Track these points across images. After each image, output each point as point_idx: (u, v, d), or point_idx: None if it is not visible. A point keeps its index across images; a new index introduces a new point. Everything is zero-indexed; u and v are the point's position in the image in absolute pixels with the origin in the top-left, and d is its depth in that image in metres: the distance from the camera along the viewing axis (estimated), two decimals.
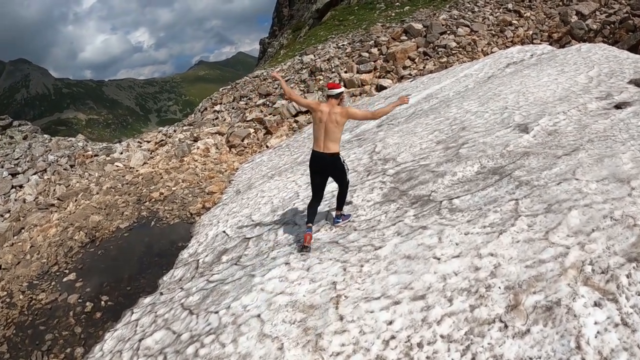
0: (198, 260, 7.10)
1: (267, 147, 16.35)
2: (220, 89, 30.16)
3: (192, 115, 29.96)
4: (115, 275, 8.74)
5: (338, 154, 5.09)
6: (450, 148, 7.34)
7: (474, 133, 7.77)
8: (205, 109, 27.84)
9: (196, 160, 16.81)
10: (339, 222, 5.70)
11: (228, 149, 18.16)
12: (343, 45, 25.90)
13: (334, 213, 5.87)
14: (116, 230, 10.98)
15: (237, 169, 14.75)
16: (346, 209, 6.02)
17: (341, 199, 5.52)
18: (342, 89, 5.17)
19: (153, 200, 12.73)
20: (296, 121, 18.05)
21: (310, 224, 5.16)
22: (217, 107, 26.10)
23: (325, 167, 5.15)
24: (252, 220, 7.79)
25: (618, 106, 7.83)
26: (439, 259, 4.04)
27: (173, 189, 13.48)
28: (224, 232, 8.02)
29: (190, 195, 12.67)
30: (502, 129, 7.59)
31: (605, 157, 5.45)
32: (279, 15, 73.20)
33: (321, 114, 4.98)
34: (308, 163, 5.38)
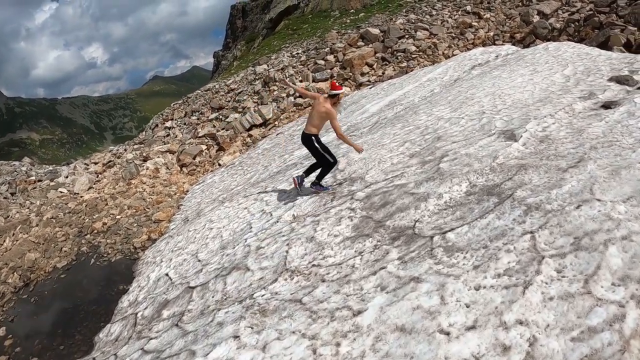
0: (137, 313, 5.78)
1: (219, 165, 14.86)
2: (172, 104, 28.58)
3: (144, 132, 28.12)
4: (48, 330, 7.64)
5: (312, 135, 6.15)
6: (428, 162, 6.21)
7: (452, 143, 6.70)
8: (156, 125, 26.11)
9: (144, 183, 15.48)
10: (312, 189, 6.54)
11: (179, 168, 16.70)
12: (297, 53, 24.80)
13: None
14: (53, 270, 9.79)
15: (187, 191, 13.22)
16: (309, 246, 4.73)
17: (320, 172, 6.38)
18: (341, 91, 6.10)
19: (95, 232, 11.52)
20: (250, 135, 16.66)
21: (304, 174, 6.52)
22: (168, 124, 24.51)
23: (304, 143, 6.25)
24: (198, 260, 6.38)
25: (606, 106, 7.13)
26: (448, 333, 2.82)
27: (117, 217, 12.21)
28: (167, 275, 6.61)
29: (135, 225, 11.33)
30: (484, 137, 6.56)
31: (621, 169, 4.51)
32: (232, 27, 71.99)
33: (314, 102, 6.17)
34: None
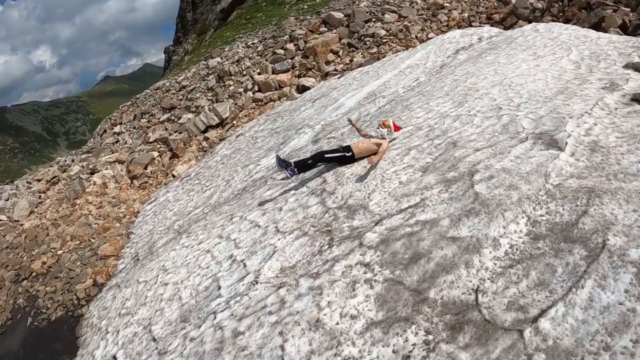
0: None
1: (173, 176, 12.80)
2: (120, 106, 25.83)
3: (92, 139, 25.31)
4: None
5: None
6: (454, 182, 4.67)
7: (475, 152, 5.19)
8: (104, 131, 23.55)
9: (90, 203, 13.59)
10: (286, 170, 5.74)
11: (129, 181, 14.68)
12: (253, 43, 22.68)
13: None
14: None
15: (138, 212, 11.15)
16: (316, 338, 3.07)
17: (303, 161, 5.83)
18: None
19: (33, 275, 9.89)
20: (206, 138, 14.63)
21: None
22: (116, 129, 22.14)
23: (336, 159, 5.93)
24: (153, 339, 4.63)
25: (637, 99, 5.95)
26: None
27: (59, 253, 10.54)
28: (114, 358, 4.82)
29: (78, 264, 9.63)
30: (516, 143, 5.10)
31: None
32: (182, 21, 68.54)
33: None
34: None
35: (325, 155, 5.79)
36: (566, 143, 4.79)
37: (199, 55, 32.88)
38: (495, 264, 3.38)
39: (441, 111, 6.74)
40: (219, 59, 24.02)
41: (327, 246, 4.33)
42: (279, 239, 4.86)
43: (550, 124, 5.45)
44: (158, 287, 5.57)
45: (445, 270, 3.41)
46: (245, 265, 4.74)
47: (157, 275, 5.89)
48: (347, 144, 6.09)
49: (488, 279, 3.29)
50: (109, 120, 25.46)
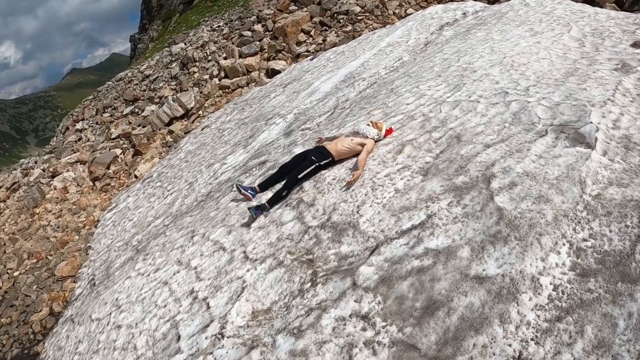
0: None
1: (135, 177, 11.53)
2: (82, 101, 24.00)
3: (55, 138, 23.53)
4: None
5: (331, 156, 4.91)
6: (466, 191, 3.77)
7: (485, 148, 4.32)
8: (67, 129, 21.83)
9: (50, 211, 12.38)
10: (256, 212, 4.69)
11: (91, 183, 13.34)
12: (219, 26, 21.10)
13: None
14: None
15: (98, 221, 9.94)
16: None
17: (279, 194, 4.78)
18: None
19: None
20: (170, 132, 13.33)
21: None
22: (79, 125, 20.62)
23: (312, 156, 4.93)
24: None
25: None
26: None
27: (15, 274, 9.53)
28: None
29: (35, 287, 8.63)
30: (533, 138, 4.26)
31: None
32: (147, 7, 65.45)
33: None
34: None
35: (300, 176, 4.80)
36: (595, 138, 3.91)
37: (163, 42, 31.08)
38: (538, 315, 2.50)
39: (435, 96, 5.79)
40: (182, 44, 22.37)
41: (309, 283, 3.36)
42: (248, 270, 3.86)
43: (569, 113, 4.58)
44: (111, 331, 4.52)
45: (474, 327, 2.49)
46: (208, 306, 3.73)
47: (110, 313, 4.83)
48: (321, 146, 5.12)
49: (532, 339, 2.41)
50: (71, 116, 23.72)
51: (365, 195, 4.19)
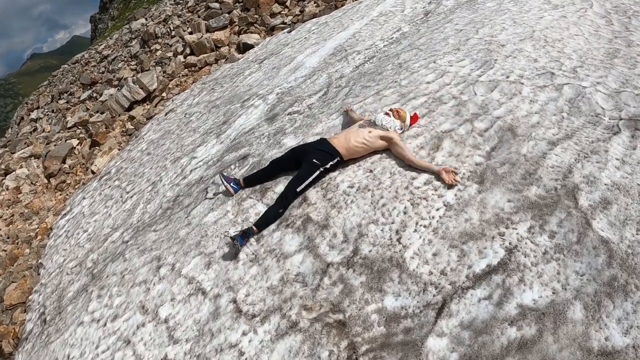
0: None
1: (92, 172, 9.89)
2: (38, 87, 21.55)
3: (9, 129, 21.11)
4: None
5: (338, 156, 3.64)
6: (546, 210, 2.86)
7: (551, 146, 3.32)
8: (22, 119, 19.48)
9: (0, 217, 10.54)
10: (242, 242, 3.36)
11: (46, 180, 11.51)
12: None
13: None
14: None
15: (52, 229, 8.38)
16: None
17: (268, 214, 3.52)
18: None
19: None
20: (131, 117, 11.63)
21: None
22: (33, 114, 18.41)
23: (312, 156, 3.64)
24: None
25: None
26: None
27: None
28: None
29: None
30: (605, 135, 3.42)
31: None
32: None
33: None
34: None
35: (299, 189, 3.52)
36: None
37: (124, 19, 28.40)
38: None
39: (461, 74, 4.65)
40: (143, 20, 20.16)
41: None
42: (244, 334, 2.67)
43: (635, 104, 3.67)
44: None
45: None
46: None
47: None
48: (324, 139, 3.80)
49: None
50: (25, 105, 21.31)
51: (404, 213, 3.04)
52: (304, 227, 3.30)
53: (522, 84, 4.13)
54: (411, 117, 3.87)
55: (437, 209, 2.99)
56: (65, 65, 23.08)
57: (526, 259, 2.49)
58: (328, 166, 3.55)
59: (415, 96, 4.48)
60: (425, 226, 2.91)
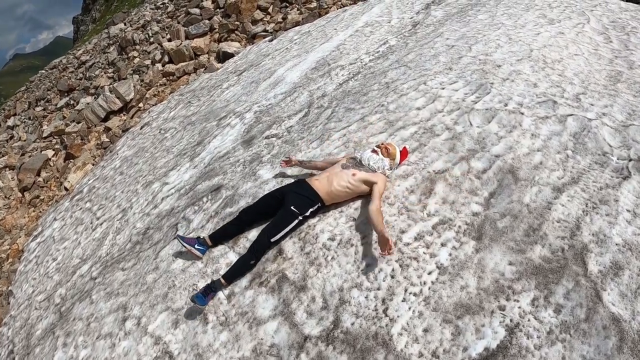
0: None
1: (65, 189, 9.35)
2: (15, 93, 20.83)
3: None
4: None
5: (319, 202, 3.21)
6: (553, 276, 2.56)
7: (555, 194, 3.01)
8: None
9: None
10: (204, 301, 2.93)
11: (20, 194, 10.93)
12: (163, 3, 18.40)
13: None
14: None
15: (23, 252, 7.85)
16: None
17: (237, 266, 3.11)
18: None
19: None
20: (107, 129, 11.09)
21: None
22: (10, 121, 17.77)
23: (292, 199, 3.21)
24: None
25: None
26: None
27: None
28: None
29: None
30: (614, 180, 3.21)
31: None
32: None
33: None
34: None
35: (274, 239, 3.09)
36: None
37: (104, 23, 27.65)
38: None
39: (455, 99, 4.29)
40: (121, 25, 19.50)
41: None
42: None
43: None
44: None
45: None
46: None
47: None
48: (304, 182, 3.34)
49: None
50: (2, 111, 20.53)
51: (392, 277, 2.65)
52: (279, 288, 2.89)
53: (522, 114, 3.78)
54: (400, 151, 3.47)
55: (429, 273, 2.61)
56: (43, 71, 22.34)
57: (529, 340, 2.15)
58: (308, 214, 3.14)
59: (404, 125, 4.10)
60: (415, 294, 2.53)
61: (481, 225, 2.81)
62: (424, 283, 2.56)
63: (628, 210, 2.74)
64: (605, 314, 2.20)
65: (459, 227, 2.83)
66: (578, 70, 4.57)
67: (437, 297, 2.48)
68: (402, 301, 2.51)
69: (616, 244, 2.52)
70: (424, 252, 2.72)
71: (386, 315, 2.46)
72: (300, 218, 3.12)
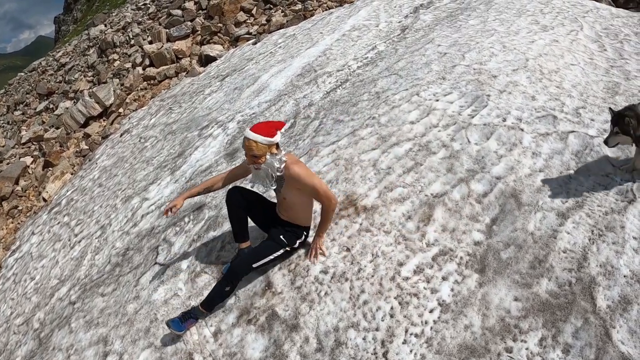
0: None
1: (44, 199, 8.93)
2: None
3: None
4: None
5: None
6: (561, 313, 2.40)
7: (561, 220, 2.91)
8: None
9: None
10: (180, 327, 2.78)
11: None
12: (145, 4, 17.89)
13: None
14: None
15: (0, 267, 7.46)
16: None
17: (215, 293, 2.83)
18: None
19: None
20: (86, 135, 10.66)
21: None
22: None
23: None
24: None
25: None
26: None
27: None
28: None
29: None
30: (619, 205, 3.02)
31: None
32: None
33: None
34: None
35: (256, 266, 2.77)
36: None
37: (84, 23, 26.92)
38: None
39: (450, 112, 4.12)
40: (102, 26, 18.93)
41: None
42: None
43: None
44: None
45: None
46: None
47: None
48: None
49: None
50: None
51: (391, 316, 2.46)
52: (269, 326, 2.68)
53: (522, 130, 3.62)
54: (270, 124, 2.67)
55: (431, 311, 2.43)
56: (22, 73, 21.68)
57: None
58: (296, 246, 2.92)
59: (398, 141, 3.91)
60: (416, 335, 2.34)
61: (484, 256, 2.64)
62: (426, 322, 2.38)
63: (634, 238, 2.60)
64: (616, 354, 2.07)
65: (461, 258, 2.65)
66: (576, 82, 4.44)
67: (439, 338, 2.30)
68: (403, 343, 2.32)
69: (624, 276, 2.38)
70: (424, 288, 2.54)
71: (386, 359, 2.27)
72: (288, 249, 2.89)
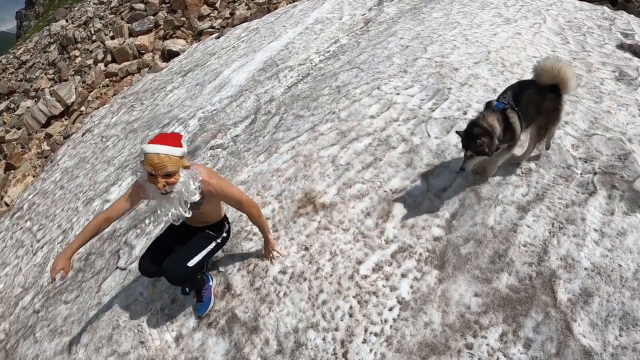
0: None
1: (6, 204, 8.53)
2: None
3: None
4: None
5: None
6: (521, 307, 2.34)
7: (521, 214, 2.88)
8: None
9: None
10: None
11: None
12: None
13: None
14: None
15: None
16: None
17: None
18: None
19: None
20: (48, 135, 10.22)
21: None
22: None
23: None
24: None
25: None
26: None
27: None
28: None
29: None
30: (580, 197, 3.02)
31: None
32: None
33: None
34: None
35: (192, 264, 2.49)
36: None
37: (46, 19, 25.74)
38: None
39: (411, 106, 4.09)
40: (63, 22, 18.19)
41: None
42: None
43: (607, 151, 3.45)
44: None
45: None
46: None
47: None
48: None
49: None
50: None
51: (350, 315, 2.42)
52: (230, 329, 2.60)
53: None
54: (169, 135, 2.26)
55: (390, 309, 2.39)
56: None
57: None
58: (225, 235, 2.74)
59: (357, 136, 3.86)
60: (376, 334, 2.31)
61: (443, 251, 2.63)
62: (385, 321, 2.35)
63: (595, 230, 2.62)
64: (577, 347, 2.07)
65: (420, 254, 2.63)
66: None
67: (399, 336, 2.27)
68: (363, 342, 2.28)
69: (585, 269, 2.40)
70: (383, 286, 2.51)
71: None
72: (218, 241, 2.69)
